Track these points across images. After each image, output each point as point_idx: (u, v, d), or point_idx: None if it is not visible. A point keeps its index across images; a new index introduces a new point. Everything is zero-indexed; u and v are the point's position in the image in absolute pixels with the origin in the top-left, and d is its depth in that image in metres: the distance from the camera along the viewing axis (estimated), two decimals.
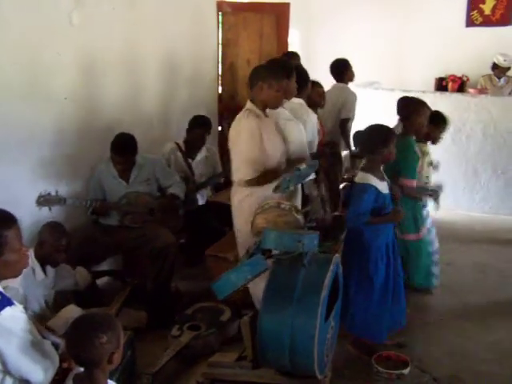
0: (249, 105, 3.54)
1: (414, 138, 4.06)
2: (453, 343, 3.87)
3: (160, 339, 3.66)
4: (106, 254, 4.16)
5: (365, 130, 3.62)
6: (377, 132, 3.50)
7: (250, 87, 3.56)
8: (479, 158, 6.60)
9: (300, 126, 3.85)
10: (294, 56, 5.59)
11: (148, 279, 4.03)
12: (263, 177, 3.43)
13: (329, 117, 5.56)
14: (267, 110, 3.57)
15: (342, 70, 5.71)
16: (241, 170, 3.47)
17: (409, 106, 4.03)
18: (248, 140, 3.41)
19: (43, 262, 3.30)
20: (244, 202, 3.49)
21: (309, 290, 2.81)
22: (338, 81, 5.71)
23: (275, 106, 3.57)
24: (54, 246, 3.30)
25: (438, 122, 4.31)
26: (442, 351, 3.76)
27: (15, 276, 2.22)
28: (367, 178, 3.40)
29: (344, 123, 5.69)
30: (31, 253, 3.26)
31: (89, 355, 2.01)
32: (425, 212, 4.23)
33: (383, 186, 3.44)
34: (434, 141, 4.37)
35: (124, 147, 4.08)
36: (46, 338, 2.38)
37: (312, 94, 4.55)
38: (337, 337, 3.25)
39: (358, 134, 5.64)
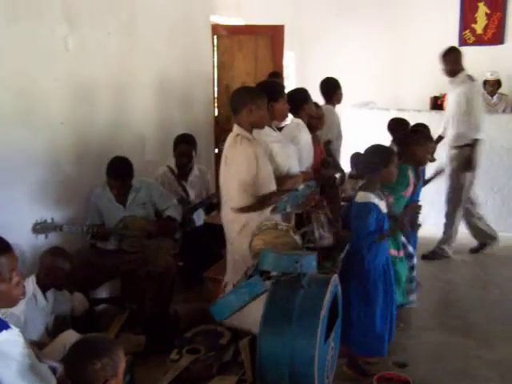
0: (238, 129, 3.47)
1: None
2: (454, 361, 3.84)
3: (159, 363, 3.61)
4: (103, 279, 4.14)
5: (366, 150, 3.64)
6: (378, 152, 3.55)
7: (234, 112, 3.49)
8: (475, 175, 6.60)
9: (288, 149, 3.84)
10: (277, 75, 5.60)
11: (146, 303, 4.00)
12: (257, 203, 3.39)
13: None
14: (254, 132, 3.53)
15: (331, 89, 5.46)
16: (236, 197, 3.42)
17: (412, 136, 4.10)
18: (245, 168, 3.35)
19: (45, 287, 3.28)
20: (245, 229, 3.43)
21: (308, 311, 2.79)
22: (326, 100, 5.44)
23: (263, 126, 3.55)
24: (58, 271, 3.28)
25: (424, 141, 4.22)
26: (444, 370, 3.73)
27: (9, 306, 2.19)
28: (368, 196, 3.43)
29: (326, 145, 5.59)
30: (33, 279, 3.25)
31: (82, 380, 2.02)
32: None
33: (382, 206, 3.47)
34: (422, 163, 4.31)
35: (120, 171, 4.08)
36: (42, 362, 2.36)
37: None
38: (337, 357, 3.23)
39: (356, 155, 5.63)
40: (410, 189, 4.02)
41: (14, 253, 2.10)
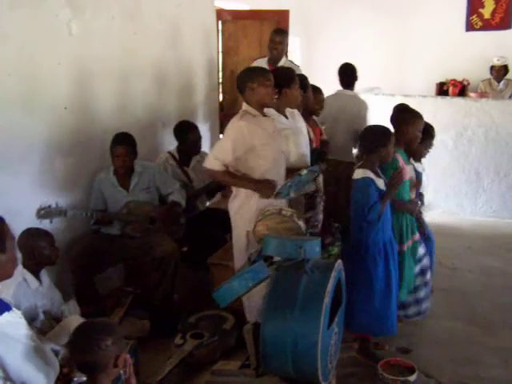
0: (245, 106, 3.53)
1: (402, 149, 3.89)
2: (458, 348, 3.86)
3: (163, 348, 3.64)
4: (107, 264, 4.14)
5: (365, 129, 3.65)
6: (377, 132, 3.56)
7: (240, 93, 3.56)
8: (481, 161, 6.60)
9: (300, 137, 3.84)
10: None
11: (150, 288, 4.02)
12: (229, 176, 3.46)
13: (342, 126, 5.33)
14: (266, 111, 3.57)
15: (352, 75, 5.46)
16: (210, 159, 3.49)
17: (402, 115, 3.91)
18: (230, 139, 3.41)
19: (36, 269, 3.21)
20: (242, 210, 3.49)
21: (311, 297, 2.78)
22: (345, 86, 5.45)
23: (271, 102, 3.55)
24: (36, 249, 3.16)
25: (424, 137, 4.07)
26: (448, 356, 3.75)
27: (7, 277, 2.17)
28: (365, 172, 3.45)
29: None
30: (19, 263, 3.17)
31: (95, 359, 2.02)
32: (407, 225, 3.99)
33: (380, 182, 3.48)
34: (418, 157, 4.20)
35: (125, 137, 4.10)
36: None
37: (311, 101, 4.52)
38: (341, 343, 3.23)
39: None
40: (404, 172, 3.79)
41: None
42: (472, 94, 7.18)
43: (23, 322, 2.11)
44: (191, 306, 4.14)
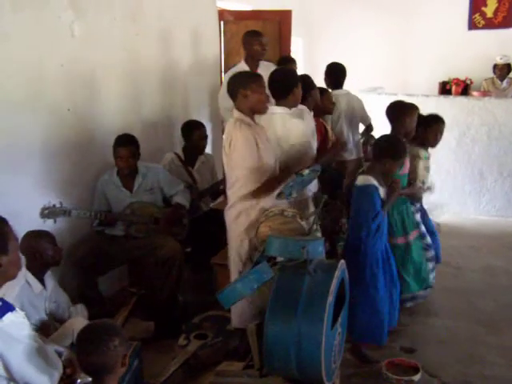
0: (237, 114, 3.41)
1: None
2: (462, 347, 3.84)
3: (167, 349, 3.65)
4: (111, 265, 4.14)
5: (382, 136, 3.65)
6: (393, 144, 3.54)
7: (231, 98, 3.46)
8: (485, 160, 6.57)
9: (304, 125, 3.84)
10: (291, 61, 5.57)
11: (154, 289, 4.02)
12: (266, 185, 3.36)
13: (354, 126, 5.42)
14: (257, 118, 3.51)
15: (342, 74, 5.39)
16: (242, 182, 3.37)
17: (398, 108, 4.01)
18: (248, 153, 3.30)
19: (39, 272, 3.20)
20: (240, 218, 3.44)
21: (314, 297, 2.79)
22: (333, 87, 5.36)
23: (263, 110, 3.47)
24: (39, 251, 3.14)
25: (432, 124, 4.18)
26: (451, 355, 3.74)
27: (11, 279, 2.18)
28: (368, 178, 3.45)
29: (371, 129, 5.54)
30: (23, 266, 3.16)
31: (104, 360, 2.03)
32: (417, 216, 4.11)
33: (381, 191, 3.47)
34: (432, 144, 4.24)
35: (127, 139, 4.10)
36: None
37: (324, 101, 4.55)
38: (344, 343, 3.23)
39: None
40: (406, 166, 3.89)
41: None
42: (475, 93, 7.17)
43: (27, 322, 2.12)
44: (195, 306, 4.15)
